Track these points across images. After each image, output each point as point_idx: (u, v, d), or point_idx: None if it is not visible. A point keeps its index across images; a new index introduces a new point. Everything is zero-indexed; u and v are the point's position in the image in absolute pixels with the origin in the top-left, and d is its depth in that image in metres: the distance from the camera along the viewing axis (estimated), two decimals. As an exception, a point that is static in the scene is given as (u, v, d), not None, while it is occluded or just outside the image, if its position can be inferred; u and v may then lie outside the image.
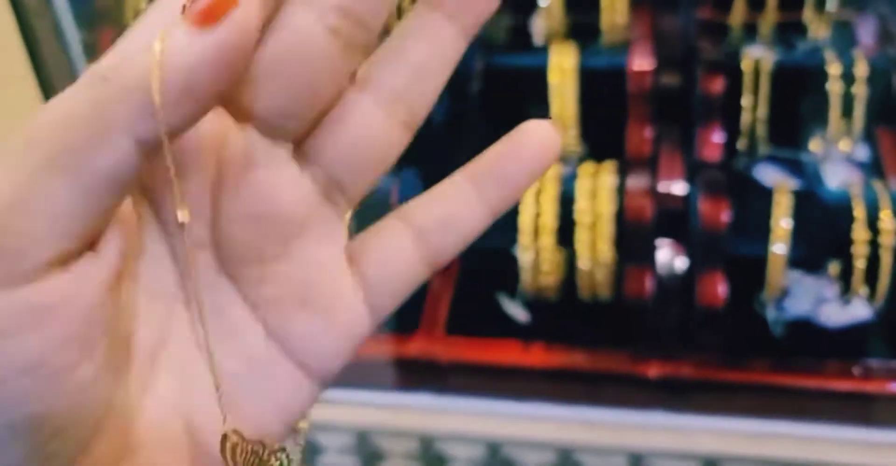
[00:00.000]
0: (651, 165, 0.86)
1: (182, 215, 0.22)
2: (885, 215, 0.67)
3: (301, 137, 0.23)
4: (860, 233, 0.67)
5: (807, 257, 0.72)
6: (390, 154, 0.25)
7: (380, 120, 0.24)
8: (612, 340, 0.72)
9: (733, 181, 0.75)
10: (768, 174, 0.88)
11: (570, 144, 0.83)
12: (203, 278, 0.23)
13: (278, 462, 0.23)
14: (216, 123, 0.22)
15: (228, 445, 0.23)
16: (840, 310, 0.74)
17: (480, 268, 0.80)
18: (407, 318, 0.77)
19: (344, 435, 0.74)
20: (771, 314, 0.74)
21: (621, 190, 0.71)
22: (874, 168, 0.86)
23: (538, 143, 0.25)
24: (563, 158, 0.85)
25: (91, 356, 0.20)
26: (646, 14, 0.92)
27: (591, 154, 0.87)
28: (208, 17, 0.18)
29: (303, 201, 0.24)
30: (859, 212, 0.68)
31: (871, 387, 0.69)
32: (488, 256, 0.76)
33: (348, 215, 0.25)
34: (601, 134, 0.84)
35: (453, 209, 0.25)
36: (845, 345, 0.72)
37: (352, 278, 0.25)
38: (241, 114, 0.22)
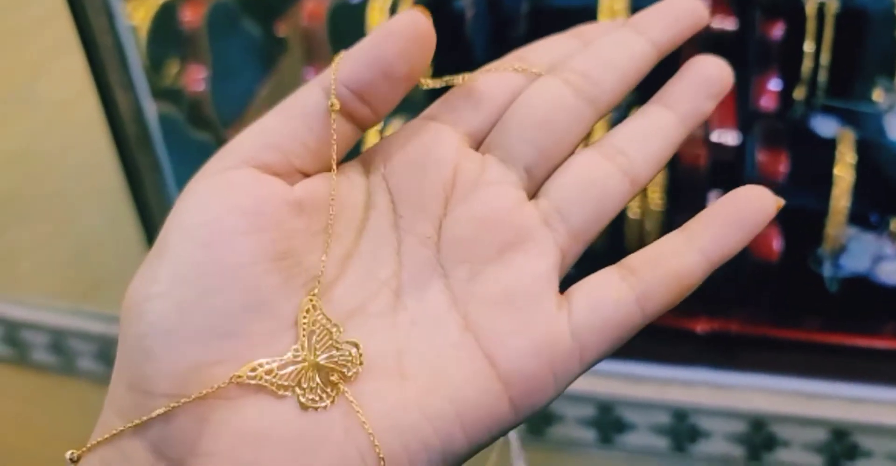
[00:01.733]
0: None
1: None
2: (956, 168, 0.62)
3: (543, 175, 0.28)
4: (929, 186, 0.62)
5: (866, 212, 0.67)
6: (613, 201, 0.28)
7: (601, 165, 0.28)
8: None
9: (790, 132, 0.70)
10: (826, 125, 0.83)
11: (619, 90, 0.79)
12: (419, 270, 0.26)
13: (346, 354, 0.24)
14: (455, 142, 0.27)
15: (310, 315, 0.24)
16: (901, 267, 0.69)
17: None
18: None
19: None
20: (827, 270, 0.69)
21: (674, 137, 0.67)
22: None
23: (758, 210, 0.29)
24: (611, 105, 0.81)
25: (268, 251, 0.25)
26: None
27: (642, 101, 0.82)
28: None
29: (521, 216, 0.27)
30: (928, 164, 0.63)
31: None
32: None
33: (569, 252, 0.27)
34: (654, 80, 0.80)
35: (663, 250, 0.28)
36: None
37: (557, 299, 0.26)
38: (485, 146, 0.28)
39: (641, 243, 0.68)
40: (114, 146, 0.71)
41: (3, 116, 0.90)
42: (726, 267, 0.69)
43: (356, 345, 0.24)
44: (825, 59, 0.74)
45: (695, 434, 0.67)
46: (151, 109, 0.81)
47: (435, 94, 0.32)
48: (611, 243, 0.70)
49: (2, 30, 0.87)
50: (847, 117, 0.82)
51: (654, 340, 0.68)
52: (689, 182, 0.65)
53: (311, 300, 0.24)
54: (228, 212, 0.24)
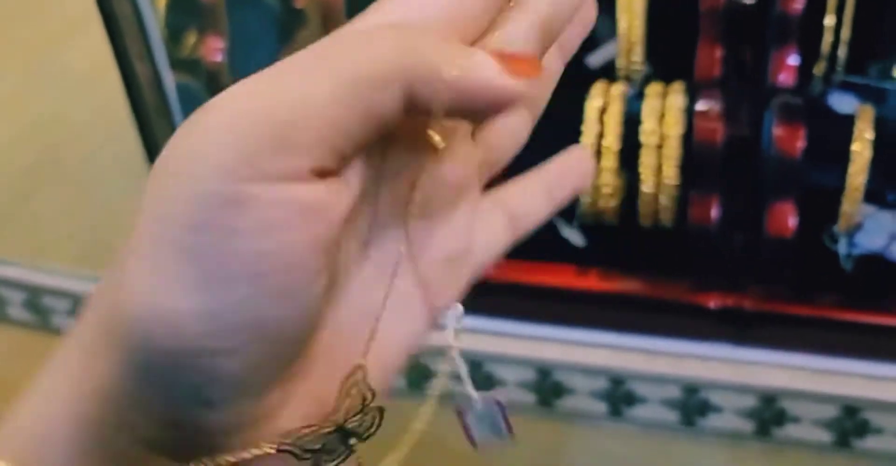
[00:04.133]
0: (721, 88, 0.79)
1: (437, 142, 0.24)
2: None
3: None
4: (947, 164, 0.60)
5: (884, 189, 0.65)
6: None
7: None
8: (672, 268, 0.67)
9: (808, 107, 0.67)
10: (844, 102, 0.80)
11: (636, 63, 0.76)
12: (381, 226, 0.25)
13: (370, 419, 0.23)
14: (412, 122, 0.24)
15: (352, 379, 0.23)
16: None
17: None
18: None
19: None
20: (842, 247, 0.67)
21: (690, 112, 0.64)
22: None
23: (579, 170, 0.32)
24: (628, 77, 0.78)
25: (327, 270, 0.21)
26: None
27: (656, 75, 0.80)
28: (518, 68, 0.22)
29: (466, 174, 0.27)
30: (949, 141, 0.60)
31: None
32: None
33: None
34: (669, 53, 0.77)
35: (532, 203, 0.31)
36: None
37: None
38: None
39: (655, 217, 0.66)
40: (134, 116, 0.70)
41: (27, 86, 0.89)
42: (742, 243, 0.67)
43: (381, 410, 0.23)
44: (845, 34, 0.71)
45: (705, 409, 0.65)
46: (170, 80, 0.80)
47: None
48: (623, 220, 0.69)
49: (27, 2, 0.86)
50: (866, 94, 0.80)
51: (668, 315, 0.67)
52: (706, 157, 0.63)
53: (361, 366, 0.23)
54: (304, 245, 0.21)
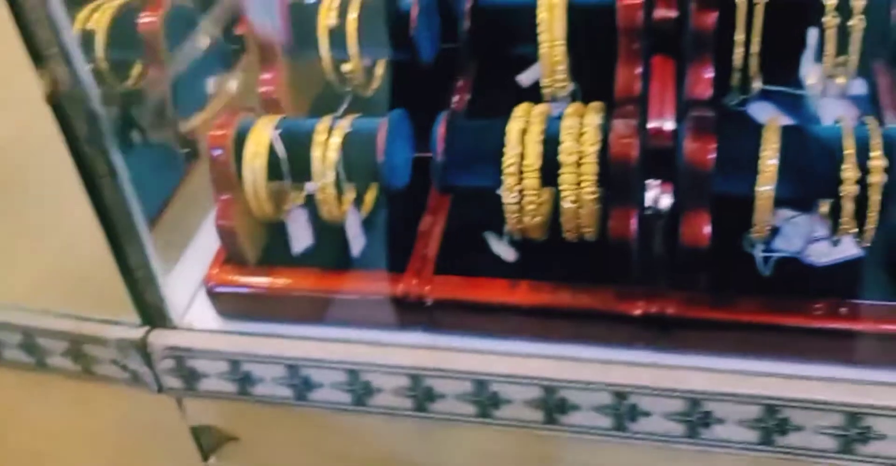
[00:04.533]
0: (643, 103, 0.82)
1: None
2: (875, 154, 0.62)
3: None
4: (849, 172, 0.62)
5: (797, 195, 0.68)
6: None
7: None
8: (597, 278, 0.69)
9: (724, 119, 0.70)
10: (763, 111, 0.83)
11: (560, 81, 0.78)
12: None
13: None
14: None
15: None
16: (829, 249, 0.70)
17: (470, 208, 0.77)
18: (397, 258, 0.74)
19: (336, 372, 0.72)
20: (759, 252, 0.70)
21: (607, 129, 0.67)
22: (871, 103, 0.81)
23: None
24: (554, 97, 0.81)
25: None
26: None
27: (583, 93, 0.83)
28: None
29: None
30: (849, 150, 0.63)
31: (857, 326, 0.65)
32: (477, 196, 0.73)
33: None
34: (593, 72, 0.80)
35: None
36: (833, 284, 0.68)
37: None
38: None
39: (579, 231, 0.69)
40: (69, 148, 0.71)
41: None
42: (661, 253, 0.69)
43: None
44: (755, 47, 0.74)
45: (635, 413, 0.67)
46: (109, 111, 0.81)
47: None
48: (550, 235, 0.71)
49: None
50: (784, 102, 0.83)
51: (594, 323, 0.69)
52: (622, 172, 0.65)
53: None
54: None
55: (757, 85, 0.82)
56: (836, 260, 0.70)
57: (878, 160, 0.62)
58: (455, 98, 0.85)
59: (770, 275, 0.69)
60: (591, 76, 0.80)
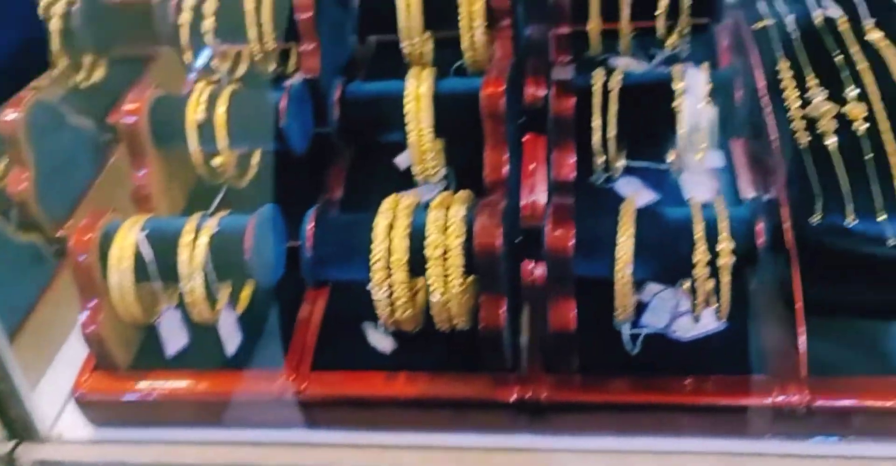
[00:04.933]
0: (516, 182, 0.84)
1: None
2: (722, 236, 0.65)
3: None
4: (700, 255, 0.65)
5: (656, 276, 0.70)
6: None
7: None
8: (473, 366, 0.70)
9: (585, 202, 0.72)
10: (628, 186, 0.86)
11: (430, 169, 0.80)
12: None
13: None
14: None
15: None
16: (692, 324, 0.72)
17: (347, 300, 0.77)
18: (274, 354, 0.73)
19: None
20: (626, 331, 0.72)
21: (472, 220, 0.68)
22: (729, 174, 0.84)
23: None
24: (427, 181, 0.82)
25: None
26: (506, 34, 0.88)
27: (457, 175, 0.84)
28: None
29: None
30: (699, 234, 0.66)
31: (723, 400, 0.68)
32: (354, 289, 0.72)
33: None
34: (465, 156, 0.81)
35: None
36: (699, 359, 0.70)
37: None
38: None
39: (451, 322, 0.70)
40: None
41: None
42: (531, 339, 0.70)
43: None
44: (612, 131, 0.77)
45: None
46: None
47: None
48: (425, 325, 0.71)
49: None
50: (649, 179, 0.86)
51: (472, 412, 0.69)
52: (488, 263, 0.66)
53: None
54: None
55: (621, 163, 0.85)
56: (699, 335, 0.72)
57: (725, 243, 0.65)
58: (329, 188, 0.85)
59: (639, 353, 0.71)
60: (464, 160, 0.81)
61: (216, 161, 0.80)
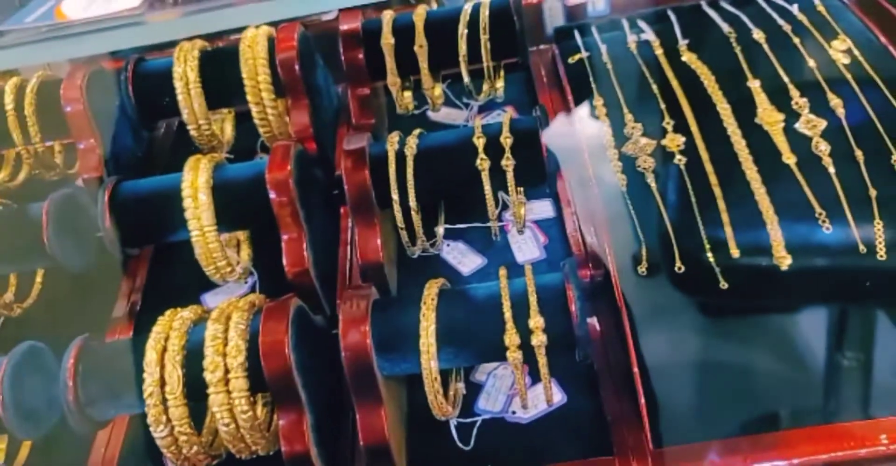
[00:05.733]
0: (331, 272, 0.76)
1: None
2: (533, 311, 0.58)
3: None
4: (511, 338, 0.58)
5: (468, 363, 0.63)
6: None
7: None
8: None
9: (382, 300, 0.64)
10: (454, 254, 0.79)
11: (223, 268, 0.71)
12: None
13: None
14: None
15: None
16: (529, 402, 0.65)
17: (145, 434, 0.68)
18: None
19: None
20: (453, 425, 0.64)
21: (257, 329, 0.59)
22: (559, 225, 0.78)
23: None
24: (227, 285, 0.74)
25: None
26: (300, 104, 0.80)
27: (265, 280, 0.76)
28: None
29: None
30: (508, 313, 0.58)
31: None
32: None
33: None
34: (273, 255, 0.72)
35: None
36: (542, 442, 0.63)
37: None
38: None
39: (250, 449, 0.61)
40: None
41: None
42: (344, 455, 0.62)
43: None
44: (413, 201, 0.70)
45: None
46: None
47: None
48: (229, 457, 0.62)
49: None
50: (473, 238, 0.79)
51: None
52: (282, 383, 0.58)
53: None
54: None
55: (440, 230, 0.78)
56: (539, 414, 0.65)
57: (536, 318, 0.58)
58: (117, 308, 0.75)
59: (475, 445, 0.63)
60: (271, 255, 0.73)
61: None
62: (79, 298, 0.74)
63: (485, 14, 0.81)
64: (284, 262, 0.70)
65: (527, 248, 0.77)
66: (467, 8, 0.82)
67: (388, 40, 0.82)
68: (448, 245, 0.78)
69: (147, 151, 0.89)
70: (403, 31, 0.82)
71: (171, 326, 0.61)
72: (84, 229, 0.74)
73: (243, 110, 0.84)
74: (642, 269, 0.66)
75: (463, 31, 0.81)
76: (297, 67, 0.79)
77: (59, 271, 0.75)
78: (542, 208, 0.80)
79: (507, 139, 0.70)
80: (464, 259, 0.77)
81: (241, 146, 0.90)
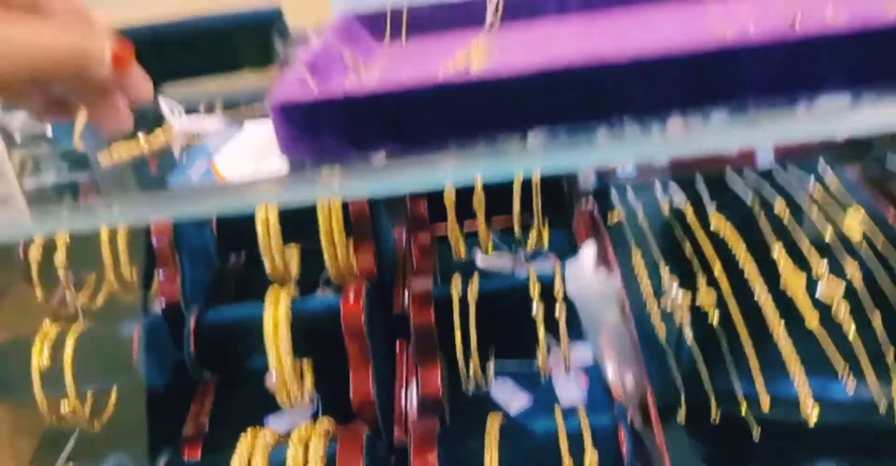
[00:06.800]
0: (389, 402, 0.82)
1: None
2: (587, 448, 0.64)
3: None
4: (568, 473, 0.63)
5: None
6: None
7: None
8: None
9: (459, 415, 0.70)
10: (502, 392, 0.85)
11: (294, 393, 0.77)
12: None
13: None
14: None
15: None
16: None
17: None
18: None
19: None
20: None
21: (334, 452, 0.65)
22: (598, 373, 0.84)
23: None
24: (293, 409, 0.79)
25: None
26: (367, 246, 0.89)
27: (327, 400, 0.81)
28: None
29: None
30: (564, 448, 0.64)
31: None
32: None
33: None
34: (333, 376, 0.79)
35: None
36: None
37: None
38: None
39: None
40: None
41: None
42: None
43: None
44: (474, 340, 0.77)
45: None
46: None
47: None
48: None
49: None
50: (521, 379, 0.85)
51: None
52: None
53: None
54: None
55: (492, 367, 0.85)
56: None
57: (589, 455, 0.63)
58: (192, 423, 0.81)
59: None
60: (333, 378, 0.79)
61: (64, 407, 0.76)
62: (151, 416, 0.79)
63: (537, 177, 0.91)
64: (352, 393, 0.76)
65: (569, 390, 0.83)
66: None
67: (450, 195, 0.92)
68: (498, 383, 0.84)
69: (216, 278, 0.96)
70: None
71: (255, 445, 0.66)
72: (168, 350, 0.81)
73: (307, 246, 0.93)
74: (680, 419, 0.72)
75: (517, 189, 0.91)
76: (368, 215, 0.89)
77: (129, 392, 0.81)
78: (584, 354, 0.86)
79: (559, 290, 0.78)
80: (513, 397, 0.83)
81: (304, 279, 0.97)
